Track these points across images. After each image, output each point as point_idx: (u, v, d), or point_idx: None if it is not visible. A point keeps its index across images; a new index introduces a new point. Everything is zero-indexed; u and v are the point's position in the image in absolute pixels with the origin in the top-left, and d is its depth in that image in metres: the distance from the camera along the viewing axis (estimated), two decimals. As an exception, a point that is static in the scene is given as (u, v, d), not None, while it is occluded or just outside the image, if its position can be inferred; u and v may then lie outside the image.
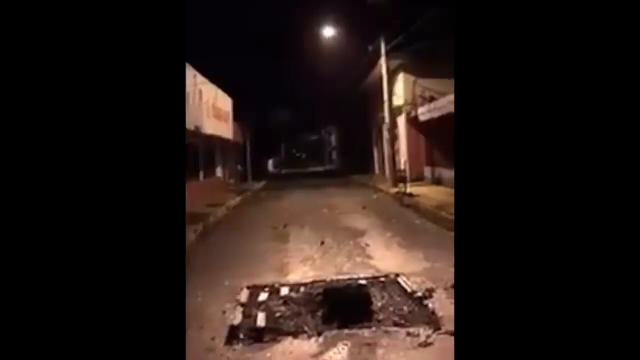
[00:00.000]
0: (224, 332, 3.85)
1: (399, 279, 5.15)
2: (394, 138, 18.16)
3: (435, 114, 15.45)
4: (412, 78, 18.42)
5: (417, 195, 13.06)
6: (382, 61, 17.54)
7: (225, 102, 18.90)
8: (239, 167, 25.55)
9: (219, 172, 20.03)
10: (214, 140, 17.73)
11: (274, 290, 4.98)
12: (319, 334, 3.72)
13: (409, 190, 14.05)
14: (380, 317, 4.05)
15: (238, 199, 15.93)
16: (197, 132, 13.56)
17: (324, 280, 5.24)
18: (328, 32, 20.09)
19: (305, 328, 3.89)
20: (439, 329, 3.69)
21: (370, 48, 18.48)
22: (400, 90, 18.72)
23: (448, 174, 15.61)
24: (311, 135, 60.86)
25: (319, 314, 4.15)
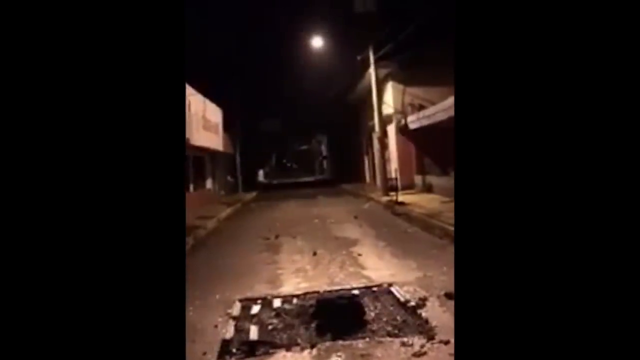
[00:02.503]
0: (216, 347, 3.79)
1: (392, 289, 5.12)
2: (384, 147, 18.21)
3: (425, 122, 15.54)
4: (401, 87, 18.54)
5: (408, 204, 13.08)
6: (371, 70, 17.63)
7: (214, 113, 18.87)
8: (229, 178, 25.48)
9: (209, 183, 19.96)
10: (203, 152, 17.68)
11: (266, 303, 4.94)
12: (313, 346, 3.68)
13: (400, 198, 14.07)
14: (374, 327, 4.02)
15: (229, 210, 15.85)
16: (186, 144, 13.51)
17: (317, 292, 5.20)
18: (317, 42, 20.18)
19: (299, 340, 3.84)
20: (433, 338, 3.67)
21: (359, 57, 18.58)
22: (389, 99, 18.81)
23: (438, 181, 15.67)
24: (301, 144, 60.89)
25: (313, 325, 4.12)
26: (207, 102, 17.41)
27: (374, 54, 17.16)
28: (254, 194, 24.88)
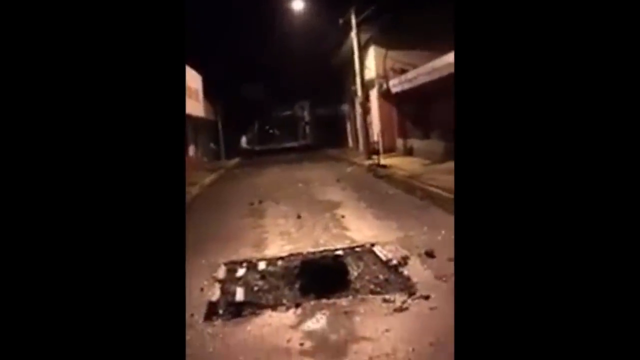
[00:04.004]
0: (202, 309, 3.87)
1: (374, 249, 5.24)
2: (366, 111, 18.20)
3: (407, 86, 15.50)
4: (383, 51, 18.35)
5: (390, 167, 13.20)
6: (353, 34, 17.43)
7: (194, 80, 18.57)
8: (211, 145, 25.31)
9: (191, 151, 19.81)
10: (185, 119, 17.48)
11: (251, 266, 5.02)
12: (297, 306, 3.78)
13: (382, 161, 14.18)
14: (357, 286, 4.13)
15: (212, 177, 15.84)
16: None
17: (301, 253, 5.30)
18: (299, 5, 19.81)
19: (284, 300, 3.94)
20: (414, 294, 3.79)
21: (340, 21, 18.31)
22: (371, 64, 18.67)
23: (419, 144, 15.78)
24: (284, 111, 60.29)
25: (297, 286, 4.21)
26: (188, 68, 17.08)
27: (356, 17, 16.91)
28: (237, 160, 24.83)
